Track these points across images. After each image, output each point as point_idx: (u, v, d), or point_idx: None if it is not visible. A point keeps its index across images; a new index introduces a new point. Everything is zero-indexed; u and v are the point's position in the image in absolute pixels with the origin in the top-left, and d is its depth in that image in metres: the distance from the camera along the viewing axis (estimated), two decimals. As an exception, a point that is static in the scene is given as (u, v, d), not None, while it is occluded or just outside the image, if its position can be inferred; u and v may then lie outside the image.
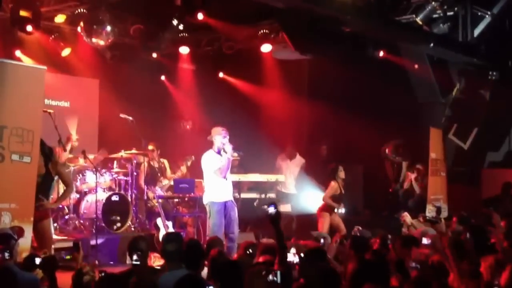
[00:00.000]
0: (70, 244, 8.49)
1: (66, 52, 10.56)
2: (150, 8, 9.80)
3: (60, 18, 9.82)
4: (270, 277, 4.17)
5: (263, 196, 11.03)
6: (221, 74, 12.99)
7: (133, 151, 10.27)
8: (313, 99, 12.75)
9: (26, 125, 6.70)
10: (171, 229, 9.03)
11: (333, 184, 9.83)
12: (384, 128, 11.41)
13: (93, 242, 8.79)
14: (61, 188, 9.32)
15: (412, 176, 11.43)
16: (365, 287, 4.20)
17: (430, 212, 10.16)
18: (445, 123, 11.96)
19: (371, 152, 11.95)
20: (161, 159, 10.89)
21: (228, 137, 8.29)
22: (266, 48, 11.23)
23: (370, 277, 4.35)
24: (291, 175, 11.79)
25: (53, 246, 7.42)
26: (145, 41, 10.67)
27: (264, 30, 10.79)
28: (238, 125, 10.40)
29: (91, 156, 9.74)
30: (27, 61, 9.77)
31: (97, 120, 12.12)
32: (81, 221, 9.54)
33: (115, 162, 10.40)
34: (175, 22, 9.89)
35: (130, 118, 10.44)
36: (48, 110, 7.70)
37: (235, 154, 8.64)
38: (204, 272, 5.32)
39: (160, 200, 9.69)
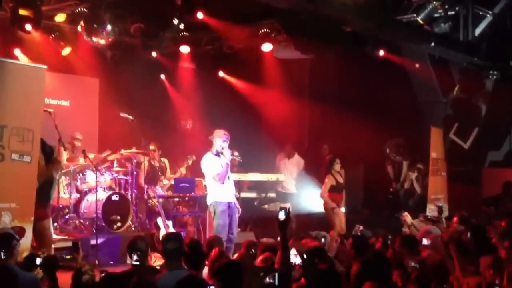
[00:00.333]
0: (70, 244, 8.56)
1: (66, 51, 10.53)
2: (150, 7, 9.78)
3: (60, 17, 9.80)
4: (267, 279, 4.17)
5: (263, 195, 11.05)
6: (221, 73, 12.93)
7: (133, 150, 10.26)
8: (314, 98, 12.75)
9: (26, 124, 6.70)
10: (171, 229, 8.99)
11: (327, 180, 9.88)
12: (385, 127, 11.41)
13: (93, 241, 8.77)
14: (61, 188, 9.36)
15: (413, 175, 11.43)
16: (366, 285, 4.19)
17: (430, 211, 10.16)
18: (446, 122, 11.97)
19: (372, 152, 11.94)
20: (162, 159, 10.89)
21: (228, 142, 8.27)
22: (267, 47, 11.19)
23: (374, 277, 4.34)
24: (289, 174, 11.75)
25: (53, 246, 7.43)
26: (146, 40, 10.65)
27: (265, 29, 10.73)
28: (238, 125, 10.39)
29: (91, 156, 9.72)
30: (27, 60, 9.74)
31: (97, 119, 12.10)
32: (81, 221, 9.51)
33: (115, 161, 10.38)
34: (175, 21, 9.88)
35: (130, 117, 10.42)
36: (48, 110, 7.66)
37: (235, 155, 8.62)
38: (204, 271, 5.32)
39: (160, 200, 9.66)
